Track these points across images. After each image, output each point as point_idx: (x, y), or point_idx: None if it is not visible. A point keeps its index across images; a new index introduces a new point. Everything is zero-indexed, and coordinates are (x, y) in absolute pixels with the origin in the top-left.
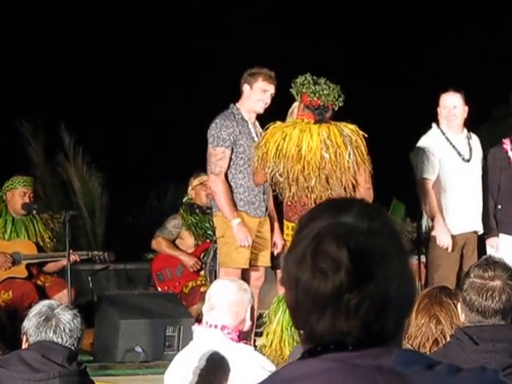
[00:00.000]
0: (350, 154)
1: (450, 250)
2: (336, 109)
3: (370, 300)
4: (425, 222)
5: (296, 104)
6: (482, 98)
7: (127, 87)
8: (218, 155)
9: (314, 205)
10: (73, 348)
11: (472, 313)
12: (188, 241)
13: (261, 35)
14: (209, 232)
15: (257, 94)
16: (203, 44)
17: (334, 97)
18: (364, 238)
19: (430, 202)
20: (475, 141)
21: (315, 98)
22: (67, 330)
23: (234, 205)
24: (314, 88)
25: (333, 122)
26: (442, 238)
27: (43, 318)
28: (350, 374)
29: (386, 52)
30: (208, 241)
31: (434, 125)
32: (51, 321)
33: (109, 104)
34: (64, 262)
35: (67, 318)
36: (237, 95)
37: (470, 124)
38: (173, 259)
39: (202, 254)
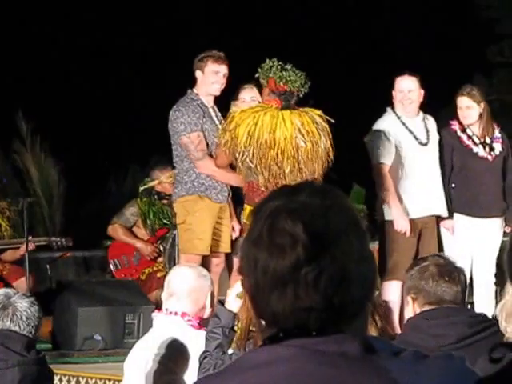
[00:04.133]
0: (323, 142)
1: (408, 234)
2: (301, 95)
3: (328, 273)
4: (383, 206)
5: (244, 91)
6: (447, 81)
7: (84, 73)
8: (195, 141)
9: None
10: (31, 336)
11: (435, 294)
12: (144, 230)
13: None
14: (165, 221)
15: (209, 77)
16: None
17: (301, 83)
18: (318, 212)
19: (386, 186)
20: (432, 123)
21: (281, 84)
22: (24, 318)
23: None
24: (281, 74)
25: (301, 109)
26: (400, 222)
27: (0, 306)
28: (315, 361)
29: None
30: (165, 228)
31: (388, 108)
32: (8, 309)
33: (65, 91)
34: (22, 251)
35: (24, 305)
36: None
37: (434, 107)
38: (129, 246)
39: (159, 242)
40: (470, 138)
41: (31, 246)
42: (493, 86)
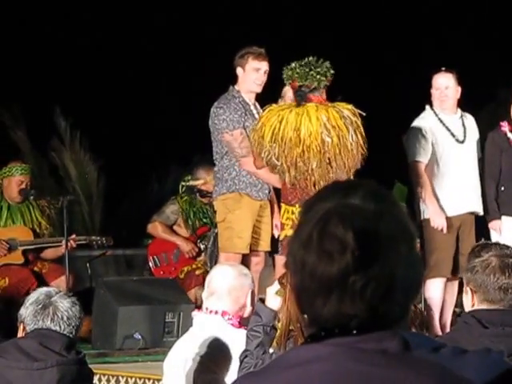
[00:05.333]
0: (352, 136)
1: (444, 231)
2: (315, 86)
3: (376, 282)
4: (421, 205)
5: (287, 87)
6: (487, 79)
7: (124, 69)
8: (238, 138)
9: (313, 188)
10: (71, 336)
11: (494, 291)
12: (185, 229)
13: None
14: (204, 220)
15: (251, 74)
16: (203, 31)
17: (313, 75)
18: (370, 219)
19: (422, 184)
20: (470, 121)
21: (293, 81)
22: (65, 318)
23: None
24: (291, 71)
25: (330, 104)
26: (437, 219)
27: (40, 306)
28: (354, 359)
29: (383, 35)
30: (207, 226)
31: (427, 106)
32: (48, 309)
33: (105, 87)
34: (62, 250)
35: (65, 305)
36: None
37: (474, 104)
38: (169, 244)
39: (199, 240)
40: None
41: (72, 244)
42: None
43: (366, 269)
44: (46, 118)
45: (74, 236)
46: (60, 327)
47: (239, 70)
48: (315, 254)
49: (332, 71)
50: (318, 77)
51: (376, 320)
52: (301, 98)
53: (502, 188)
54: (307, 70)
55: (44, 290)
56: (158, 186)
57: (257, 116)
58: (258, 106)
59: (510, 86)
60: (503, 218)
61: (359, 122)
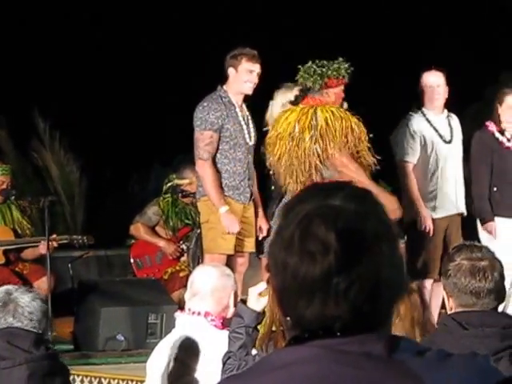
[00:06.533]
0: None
1: (431, 232)
2: (307, 86)
3: (360, 283)
4: (409, 206)
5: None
6: (472, 78)
7: (103, 68)
8: (205, 140)
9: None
10: (37, 331)
11: (466, 295)
12: (167, 230)
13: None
14: (186, 221)
15: (243, 75)
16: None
17: (311, 74)
18: (352, 220)
19: (409, 185)
20: (455, 121)
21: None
22: (26, 313)
23: (222, 191)
24: (304, 70)
25: (327, 106)
26: (425, 221)
27: (1, 303)
28: (338, 361)
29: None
30: (188, 227)
31: (414, 106)
32: (9, 306)
33: (84, 87)
34: (41, 250)
35: (26, 300)
36: (221, 77)
37: (459, 104)
38: (152, 246)
39: (181, 241)
40: (508, 140)
41: (53, 245)
42: None
43: (349, 270)
44: (27, 118)
45: (54, 236)
46: (22, 323)
47: (231, 71)
48: (297, 255)
49: (339, 72)
50: (315, 77)
51: (360, 322)
52: (295, 99)
53: (495, 189)
54: (313, 69)
55: (4, 288)
56: (141, 186)
57: (241, 119)
58: (245, 108)
59: (496, 85)
60: (497, 219)
61: (330, 129)
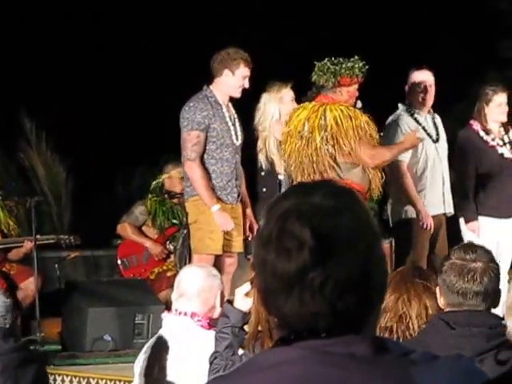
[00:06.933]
0: (320, 141)
1: (432, 231)
2: (320, 83)
3: (335, 279)
4: (397, 205)
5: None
6: (458, 77)
7: (88, 69)
8: (192, 140)
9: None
10: (6, 326)
11: (452, 294)
12: (153, 229)
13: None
14: (174, 221)
15: (239, 80)
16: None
17: (323, 71)
18: (328, 216)
19: (407, 184)
20: (439, 121)
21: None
22: None
23: (213, 190)
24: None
25: (338, 105)
26: (427, 219)
27: None
28: (323, 362)
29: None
30: (174, 227)
31: (400, 105)
32: None
33: (70, 88)
34: (25, 249)
35: None
36: (208, 77)
37: (445, 103)
38: (139, 245)
39: (168, 241)
40: (493, 139)
41: (31, 245)
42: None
43: (324, 265)
44: (13, 118)
45: (38, 236)
46: None
47: (227, 72)
48: (274, 252)
49: (353, 71)
50: (328, 75)
51: (341, 321)
52: (307, 95)
53: (480, 188)
54: (326, 67)
55: None
56: (126, 187)
57: (228, 119)
58: (232, 108)
59: (481, 84)
60: (481, 218)
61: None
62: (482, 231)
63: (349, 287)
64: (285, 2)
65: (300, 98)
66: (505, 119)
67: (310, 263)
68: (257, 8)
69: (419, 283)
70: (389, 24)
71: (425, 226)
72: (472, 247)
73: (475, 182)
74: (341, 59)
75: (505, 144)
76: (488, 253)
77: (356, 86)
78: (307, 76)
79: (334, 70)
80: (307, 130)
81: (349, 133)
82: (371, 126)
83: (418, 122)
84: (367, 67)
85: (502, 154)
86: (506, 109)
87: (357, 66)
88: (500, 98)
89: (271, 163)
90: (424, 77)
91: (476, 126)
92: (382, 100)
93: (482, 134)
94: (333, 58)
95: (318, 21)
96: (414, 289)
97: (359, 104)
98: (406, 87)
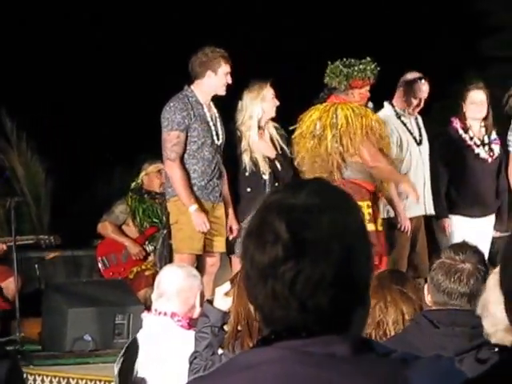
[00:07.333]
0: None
1: (409, 233)
2: (333, 85)
3: (306, 275)
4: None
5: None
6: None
7: (69, 70)
8: (172, 140)
9: None
10: None
11: (438, 293)
12: (134, 228)
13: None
14: (154, 219)
15: (222, 79)
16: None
17: (335, 74)
18: (308, 214)
19: (389, 186)
20: (421, 121)
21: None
22: None
23: (192, 190)
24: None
25: (349, 104)
26: (405, 220)
27: None
28: (302, 362)
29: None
30: (154, 227)
31: (386, 105)
32: None
33: (52, 88)
34: (0, 249)
35: None
36: (188, 76)
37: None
38: (118, 244)
39: (148, 241)
40: (471, 138)
41: (7, 245)
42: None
43: (296, 261)
44: None
45: (17, 237)
46: None
47: (209, 74)
48: (254, 243)
49: (365, 73)
50: (340, 78)
51: (315, 319)
52: (319, 97)
53: (455, 187)
54: (339, 70)
55: None
56: (106, 186)
57: (209, 119)
58: (213, 108)
59: (462, 82)
60: (456, 217)
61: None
62: (457, 230)
63: (321, 286)
64: (285, 2)
65: (299, 97)
66: (481, 116)
67: (281, 257)
68: (257, 8)
69: (396, 289)
70: (389, 24)
71: (402, 228)
72: (463, 247)
73: (450, 180)
74: (352, 61)
75: (483, 144)
76: (479, 254)
77: (368, 88)
78: (307, 76)
79: (346, 72)
80: (319, 128)
81: (357, 132)
82: (381, 126)
83: (404, 124)
84: (379, 69)
85: (477, 154)
86: (482, 106)
87: (369, 68)
88: (475, 95)
89: (255, 163)
90: (425, 89)
91: (456, 123)
92: (382, 100)
93: (460, 132)
94: (345, 60)
95: (318, 21)
96: (390, 295)
97: (370, 105)
98: (400, 89)
